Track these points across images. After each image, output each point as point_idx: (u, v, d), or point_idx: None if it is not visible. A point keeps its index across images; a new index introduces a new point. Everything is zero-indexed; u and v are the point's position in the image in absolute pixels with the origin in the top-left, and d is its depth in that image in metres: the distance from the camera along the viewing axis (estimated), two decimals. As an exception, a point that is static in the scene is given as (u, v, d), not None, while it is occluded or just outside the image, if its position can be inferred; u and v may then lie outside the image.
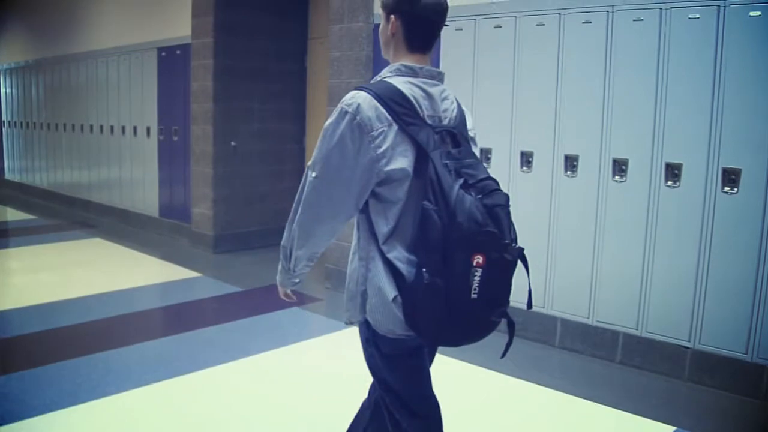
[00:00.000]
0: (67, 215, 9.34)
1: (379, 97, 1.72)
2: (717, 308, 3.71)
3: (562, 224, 4.28)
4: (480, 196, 1.65)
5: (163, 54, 7.59)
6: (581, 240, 4.18)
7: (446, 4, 1.84)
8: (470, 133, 1.93)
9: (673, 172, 3.82)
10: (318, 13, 7.32)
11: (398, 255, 1.73)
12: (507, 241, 1.64)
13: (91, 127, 9.14)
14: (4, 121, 12.05)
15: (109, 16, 8.65)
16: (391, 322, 1.75)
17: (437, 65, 4.63)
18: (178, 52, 7.36)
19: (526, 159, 4.40)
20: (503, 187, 1.78)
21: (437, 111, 1.81)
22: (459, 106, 1.91)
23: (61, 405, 3.29)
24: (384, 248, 1.75)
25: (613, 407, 3.46)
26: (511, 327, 1.79)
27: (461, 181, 1.66)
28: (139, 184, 8.22)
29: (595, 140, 4.08)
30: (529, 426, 3.30)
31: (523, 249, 1.70)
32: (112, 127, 8.64)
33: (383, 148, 1.69)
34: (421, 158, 1.71)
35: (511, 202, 1.75)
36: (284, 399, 3.49)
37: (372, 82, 1.85)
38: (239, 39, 6.88)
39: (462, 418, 3.28)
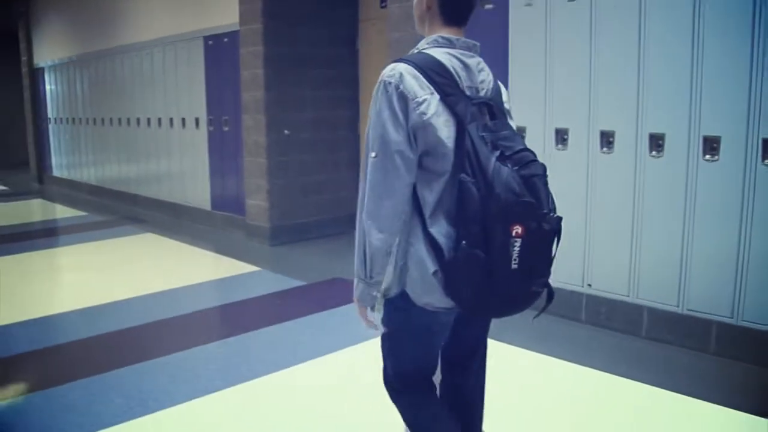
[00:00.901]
0: (117, 210, 9.26)
1: (419, 68, 1.73)
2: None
3: (647, 206, 3.97)
4: (517, 167, 1.64)
5: (210, 42, 7.39)
6: (670, 221, 3.86)
7: None
8: (506, 106, 1.92)
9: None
10: (368, -8, 7.04)
11: (440, 229, 1.73)
12: (545, 211, 1.65)
13: (138, 120, 9.02)
14: (50, 118, 12.05)
15: (151, 7, 8.49)
16: (430, 295, 1.77)
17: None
18: (225, 40, 7.15)
19: (607, 139, 4.10)
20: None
21: (474, 82, 1.82)
22: (495, 79, 1.91)
23: (132, 415, 3.10)
24: (428, 221, 1.75)
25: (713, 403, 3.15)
26: (550, 297, 1.78)
27: (498, 153, 1.66)
28: (189, 177, 8.06)
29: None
30: (628, 424, 3.00)
31: (561, 218, 1.69)
32: (159, 120, 8.50)
33: (429, 115, 1.70)
34: (460, 130, 1.71)
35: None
36: (367, 396, 3.23)
37: (409, 54, 1.84)
38: (288, 24, 6.63)
39: (550, 414, 3.04)
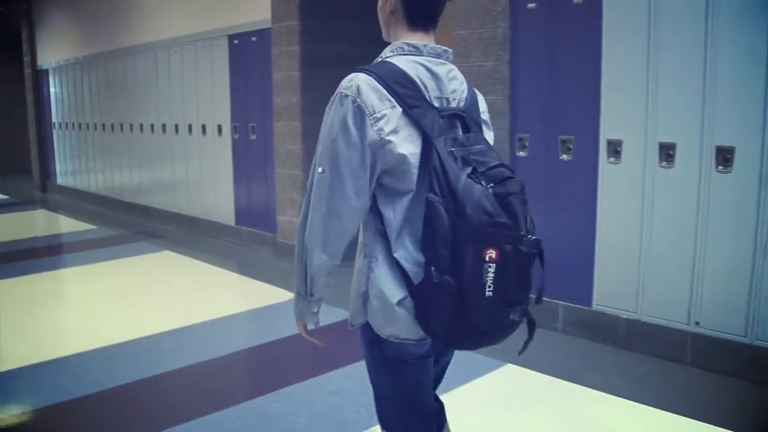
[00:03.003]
0: (128, 223, 8.58)
1: (380, 78, 1.60)
2: None
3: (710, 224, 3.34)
4: (492, 184, 1.55)
5: (236, 42, 6.72)
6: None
7: None
8: (483, 117, 1.80)
9: None
10: (410, -12, 6.36)
11: (405, 254, 1.62)
12: (522, 233, 1.53)
13: (152, 126, 8.34)
14: (54, 123, 11.38)
15: (168, 4, 7.82)
16: (394, 326, 1.65)
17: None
18: (253, 39, 6.48)
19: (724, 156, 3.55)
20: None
21: (444, 92, 1.68)
22: (470, 87, 1.77)
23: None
24: (392, 245, 1.63)
25: None
26: (532, 326, 1.66)
27: (469, 169, 1.56)
28: (209, 189, 7.38)
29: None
30: None
31: (540, 240, 1.54)
32: (176, 126, 7.82)
33: (387, 131, 1.57)
34: (426, 145, 1.59)
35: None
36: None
37: (373, 63, 1.70)
38: (326, 20, 5.96)
39: None
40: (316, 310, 1.75)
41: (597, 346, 4.06)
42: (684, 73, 3.60)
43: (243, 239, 6.96)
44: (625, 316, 3.99)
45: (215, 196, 7.30)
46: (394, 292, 1.63)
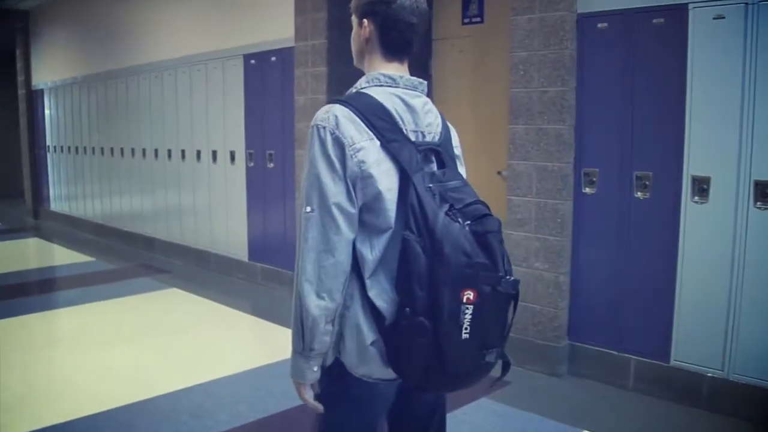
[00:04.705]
0: (129, 256, 7.98)
1: (357, 110, 1.58)
2: None
3: None
4: (469, 222, 1.51)
5: (252, 62, 6.20)
6: None
7: (425, 4, 1.69)
8: (456, 151, 1.77)
9: None
10: (444, 8, 5.89)
11: (381, 292, 1.57)
12: (500, 274, 1.49)
13: (156, 152, 7.78)
14: (49, 146, 10.80)
15: (175, 21, 7.30)
16: (368, 367, 1.60)
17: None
18: (273, 58, 5.97)
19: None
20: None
21: (420, 126, 1.66)
22: (444, 120, 1.74)
23: None
24: (367, 283, 1.58)
25: None
26: (506, 366, 1.60)
27: (446, 206, 1.52)
28: (220, 221, 6.83)
29: None
30: None
31: (518, 281, 1.52)
32: (183, 152, 7.27)
33: (368, 163, 1.54)
34: (404, 181, 1.56)
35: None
36: None
37: (347, 94, 1.68)
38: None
39: None
40: (316, 368, 1.62)
41: (675, 406, 3.63)
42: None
43: (257, 276, 6.39)
44: (709, 374, 3.56)
45: (226, 229, 6.74)
46: (368, 331, 1.58)
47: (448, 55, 5.87)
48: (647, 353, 3.79)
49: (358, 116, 1.57)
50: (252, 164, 6.29)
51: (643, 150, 3.75)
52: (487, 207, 1.58)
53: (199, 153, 7.00)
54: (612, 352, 3.93)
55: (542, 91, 3.93)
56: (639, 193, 3.77)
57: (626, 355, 3.86)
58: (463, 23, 5.68)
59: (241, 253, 6.54)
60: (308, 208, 1.56)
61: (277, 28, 5.79)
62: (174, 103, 7.35)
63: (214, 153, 6.76)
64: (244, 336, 5.07)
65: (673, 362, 3.69)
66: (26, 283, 6.73)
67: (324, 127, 1.56)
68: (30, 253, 8.74)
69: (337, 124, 1.55)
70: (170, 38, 7.38)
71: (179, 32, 7.22)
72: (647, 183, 3.74)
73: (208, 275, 6.87)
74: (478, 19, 5.54)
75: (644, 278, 3.80)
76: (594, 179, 3.94)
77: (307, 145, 1.60)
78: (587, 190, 3.96)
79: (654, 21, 3.65)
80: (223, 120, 6.60)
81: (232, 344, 4.69)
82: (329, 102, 1.63)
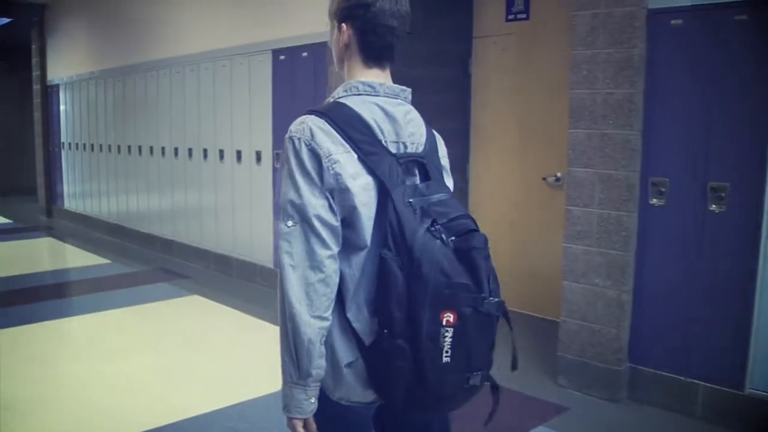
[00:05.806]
0: (146, 258, 7.71)
1: (332, 122, 1.50)
2: None
3: None
4: (453, 238, 1.45)
5: (282, 57, 5.91)
6: None
7: (406, 7, 1.61)
8: (442, 162, 1.69)
9: None
10: (486, 4, 5.58)
11: (357, 313, 1.51)
12: (483, 294, 1.42)
13: (176, 150, 7.51)
14: (63, 143, 10.55)
15: (198, 14, 7.01)
16: (345, 390, 1.54)
17: None
18: (304, 54, 5.68)
19: None
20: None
21: (401, 136, 1.58)
22: (428, 129, 1.67)
23: None
24: (346, 304, 1.51)
25: None
26: (495, 391, 1.55)
27: (429, 221, 1.45)
28: (243, 224, 6.54)
29: None
30: None
31: (503, 302, 1.45)
32: (204, 151, 6.99)
33: (344, 176, 1.46)
34: (383, 196, 1.49)
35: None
36: None
37: (324, 103, 1.59)
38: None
39: None
40: (314, 399, 1.51)
41: (749, 439, 3.30)
42: None
43: (282, 283, 6.10)
44: (790, 406, 3.22)
45: (250, 233, 6.45)
46: (344, 353, 1.53)
47: (490, 54, 5.56)
48: (718, 380, 3.50)
49: (333, 128, 1.50)
50: (279, 165, 6.01)
51: (719, 159, 3.44)
52: (474, 222, 1.52)
53: (222, 152, 6.71)
54: (678, 377, 3.62)
55: (608, 93, 3.61)
56: (713, 206, 3.46)
57: (694, 380, 3.56)
58: (507, 20, 5.37)
59: (266, 258, 6.25)
60: (289, 223, 1.49)
61: (309, 22, 5.49)
62: (196, 100, 7.06)
63: (239, 153, 6.48)
64: (275, 350, 4.76)
65: (748, 391, 3.40)
66: (40, 286, 6.44)
67: (299, 138, 1.49)
68: (43, 254, 8.49)
69: (312, 135, 1.48)
70: (192, 32, 7.10)
71: (202, 25, 6.94)
72: (723, 195, 3.43)
73: (229, 281, 6.58)
74: (524, 16, 5.23)
75: (717, 299, 3.50)
76: (663, 189, 3.62)
77: (281, 159, 1.55)
78: (655, 201, 3.65)
79: (736, 17, 3.34)
80: (249, 119, 6.31)
81: (262, 359, 4.38)
82: (306, 111, 1.55)
